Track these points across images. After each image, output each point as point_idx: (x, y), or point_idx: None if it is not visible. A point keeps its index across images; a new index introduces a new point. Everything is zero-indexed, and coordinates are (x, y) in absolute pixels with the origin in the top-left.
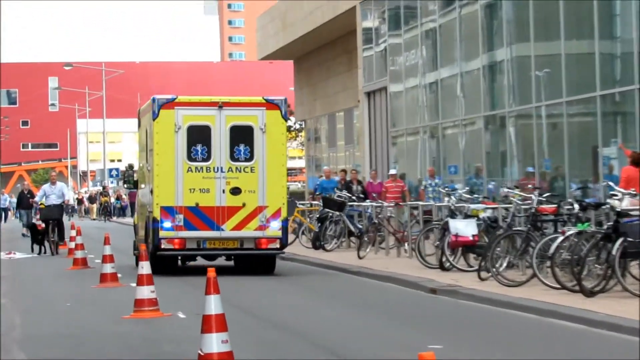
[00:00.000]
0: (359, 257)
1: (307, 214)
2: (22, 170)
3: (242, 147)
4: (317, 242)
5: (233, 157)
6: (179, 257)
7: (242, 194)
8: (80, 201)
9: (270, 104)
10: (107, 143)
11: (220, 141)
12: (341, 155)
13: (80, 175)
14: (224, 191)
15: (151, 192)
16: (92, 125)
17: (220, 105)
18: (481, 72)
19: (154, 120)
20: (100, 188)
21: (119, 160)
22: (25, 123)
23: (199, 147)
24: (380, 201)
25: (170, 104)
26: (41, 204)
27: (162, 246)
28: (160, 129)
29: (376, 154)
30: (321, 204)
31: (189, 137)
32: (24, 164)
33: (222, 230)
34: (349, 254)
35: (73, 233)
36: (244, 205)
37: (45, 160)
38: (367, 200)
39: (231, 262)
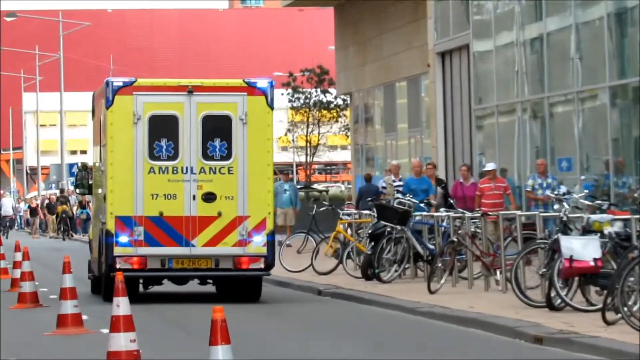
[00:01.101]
0: (430, 291)
1: (354, 229)
2: None
3: (217, 142)
4: (370, 270)
5: (206, 155)
6: (140, 281)
7: (218, 201)
8: (33, 211)
9: (252, 88)
10: (65, 127)
11: (190, 135)
12: (403, 144)
13: (27, 173)
14: (194, 197)
15: (104, 198)
16: (45, 101)
17: (190, 90)
18: (605, 24)
19: (107, 108)
20: (57, 192)
21: (83, 152)
22: None
23: (163, 143)
24: (463, 210)
25: (127, 88)
26: None
27: (118, 266)
28: (115, 119)
29: (454, 141)
30: (374, 215)
31: (151, 130)
32: None
33: (193, 246)
34: (415, 286)
35: (18, 256)
36: (219, 214)
37: None
38: (442, 209)
39: (206, 288)
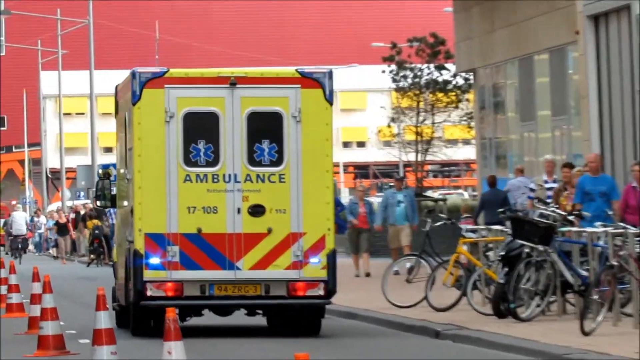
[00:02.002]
0: (584, 332)
1: (481, 250)
2: None
3: (265, 144)
4: (503, 304)
5: (252, 160)
6: (176, 311)
7: (267, 215)
8: (62, 228)
9: (307, 80)
10: (97, 117)
11: (232, 136)
12: (545, 137)
13: (47, 177)
14: (239, 211)
15: (131, 212)
16: (70, 82)
17: (233, 82)
18: None
19: (134, 104)
20: (88, 202)
21: None
22: None
23: (201, 145)
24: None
25: (157, 80)
26: None
27: (149, 293)
28: (144, 117)
29: (612, 132)
30: (508, 231)
31: (186, 130)
32: None
33: (238, 269)
34: (563, 325)
35: (37, 288)
36: (269, 231)
37: None
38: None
39: (256, 319)
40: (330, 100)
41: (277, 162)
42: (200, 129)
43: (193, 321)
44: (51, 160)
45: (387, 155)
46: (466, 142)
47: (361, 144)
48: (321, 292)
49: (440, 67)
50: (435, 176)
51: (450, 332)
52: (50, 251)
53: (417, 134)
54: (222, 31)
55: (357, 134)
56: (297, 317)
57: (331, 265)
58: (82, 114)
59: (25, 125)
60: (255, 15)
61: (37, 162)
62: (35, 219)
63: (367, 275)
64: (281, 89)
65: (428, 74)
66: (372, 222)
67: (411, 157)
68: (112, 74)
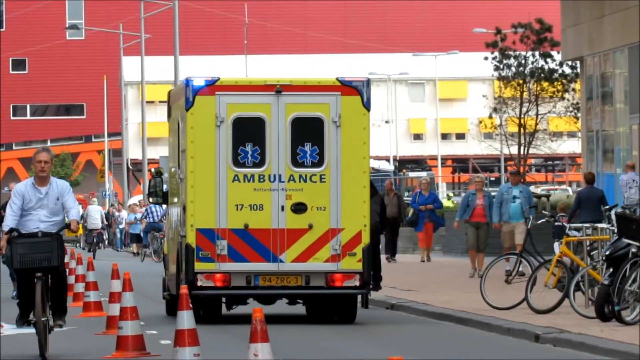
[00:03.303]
0: None
1: (585, 250)
2: (11, 158)
3: (308, 147)
4: (607, 306)
5: (296, 162)
6: (223, 300)
7: (309, 212)
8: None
9: (347, 87)
10: None
11: (277, 139)
12: None
13: (129, 169)
14: (283, 208)
15: (184, 209)
16: (154, 68)
17: (279, 90)
18: None
19: (187, 110)
20: None
21: None
22: (18, 64)
23: (248, 148)
24: None
25: (209, 87)
26: (11, 231)
27: (199, 283)
28: (196, 122)
29: None
30: (614, 227)
31: (235, 134)
32: (16, 146)
33: (281, 261)
34: None
35: (116, 286)
36: (310, 227)
37: (59, 140)
38: None
39: (296, 308)
40: (367, 107)
41: (318, 163)
42: (248, 133)
43: (239, 310)
44: (132, 151)
45: (488, 148)
46: (571, 134)
47: (460, 136)
48: (357, 283)
49: (545, 55)
50: (538, 170)
51: (551, 335)
52: (132, 247)
53: (520, 125)
54: (317, 16)
55: (457, 126)
56: (334, 306)
57: (366, 258)
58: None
59: (105, 114)
60: None
61: (117, 152)
62: (116, 213)
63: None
64: (323, 96)
65: (533, 62)
66: (490, 217)
67: (513, 150)
68: (197, 60)
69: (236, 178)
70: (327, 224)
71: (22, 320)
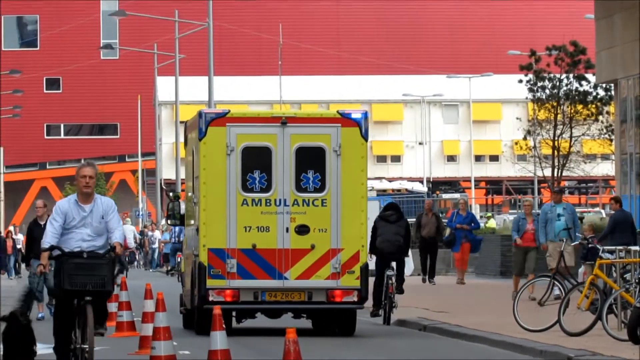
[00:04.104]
0: None
1: (619, 272)
2: (45, 177)
3: (310, 174)
4: (639, 329)
5: (299, 187)
6: (234, 314)
7: (311, 234)
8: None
9: (346, 120)
10: None
11: (283, 167)
12: None
13: (162, 188)
14: (287, 230)
15: (197, 230)
16: (187, 88)
17: (284, 121)
18: None
19: (200, 140)
20: None
21: None
22: (52, 83)
23: (256, 174)
24: None
25: (220, 119)
26: (51, 248)
27: (210, 298)
28: (208, 151)
29: None
30: None
31: (244, 162)
32: (50, 166)
33: (286, 279)
34: None
35: (149, 306)
36: (312, 247)
37: (93, 159)
38: None
39: (299, 321)
40: (365, 137)
41: (320, 189)
42: (256, 161)
43: (248, 323)
44: (166, 171)
45: (521, 170)
46: (605, 157)
47: (494, 158)
48: (355, 299)
49: (580, 78)
50: (571, 193)
51: (584, 358)
52: (165, 267)
53: (554, 148)
54: (351, 37)
55: (490, 147)
56: (335, 319)
57: (363, 276)
58: None
59: (139, 134)
60: (387, 19)
61: (151, 172)
62: (150, 233)
63: (533, 299)
64: (324, 127)
65: (567, 84)
66: (537, 240)
67: (547, 172)
68: (231, 80)
69: (245, 202)
70: (328, 244)
71: (64, 348)
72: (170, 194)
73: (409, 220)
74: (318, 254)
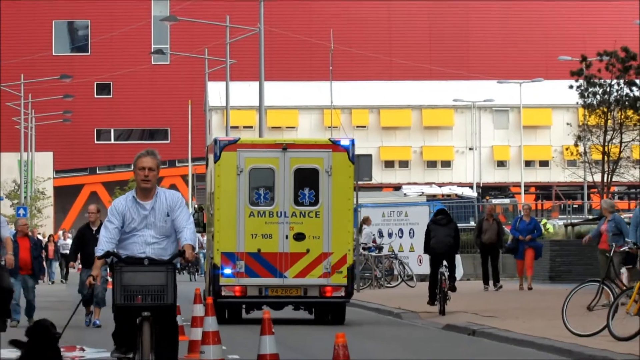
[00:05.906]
0: None
1: None
2: (94, 182)
3: (307, 190)
4: None
5: (297, 202)
6: (243, 306)
7: (306, 240)
8: None
9: (336, 146)
10: (266, 130)
11: (284, 185)
12: None
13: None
14: (287, 237)
15: (212, 237)
16: (238, 94)
17: (285, 147)
18: None
19: (215, 162)
20: None
21: None
22: (103, 88)
23: (261, 191)
24: None
25: (232, 145)
26: (106, 255)
27: (223, 293)
28: (222, 171)
29: None
30: None
31: (251, 181)
32: (100, 170)
33: (285, 277)
34: None
35: (199, 310)
36: (308, 251)
37: None
38: None
39: (299, 312)
40: (352, 160)
41: (314, 203)
42: (261, 180)
43: (255, 314)
44: None
45: (571, 175)
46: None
47: (544, 163)
48: (343, 294)
49: (630, 83)
50: (621, 198)
51: None
52: None
53: (604, 153)
54: (402, 42)
55: (540, 153)
56: (327, 311)
57: (350, 275)
58: (251, 127)
59: (189, 139)
60: (438, 24)
61: (201, 177)
62: (200, 238)
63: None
64: (318, 152)
65: (618, 90)
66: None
67: (597, 177)
68: (282, 86)
69: (252, 214)
70: (320, 249)
71: (121, 352)
72: (196, 205)
73: (458, 225)
74: (312, 257)
